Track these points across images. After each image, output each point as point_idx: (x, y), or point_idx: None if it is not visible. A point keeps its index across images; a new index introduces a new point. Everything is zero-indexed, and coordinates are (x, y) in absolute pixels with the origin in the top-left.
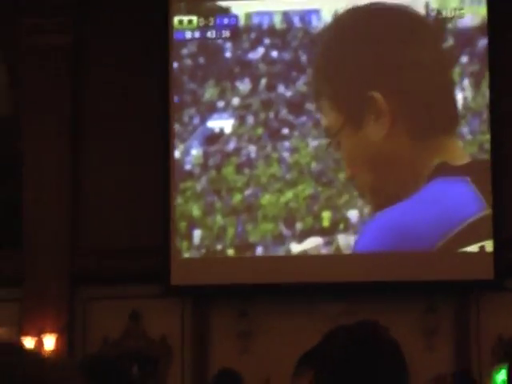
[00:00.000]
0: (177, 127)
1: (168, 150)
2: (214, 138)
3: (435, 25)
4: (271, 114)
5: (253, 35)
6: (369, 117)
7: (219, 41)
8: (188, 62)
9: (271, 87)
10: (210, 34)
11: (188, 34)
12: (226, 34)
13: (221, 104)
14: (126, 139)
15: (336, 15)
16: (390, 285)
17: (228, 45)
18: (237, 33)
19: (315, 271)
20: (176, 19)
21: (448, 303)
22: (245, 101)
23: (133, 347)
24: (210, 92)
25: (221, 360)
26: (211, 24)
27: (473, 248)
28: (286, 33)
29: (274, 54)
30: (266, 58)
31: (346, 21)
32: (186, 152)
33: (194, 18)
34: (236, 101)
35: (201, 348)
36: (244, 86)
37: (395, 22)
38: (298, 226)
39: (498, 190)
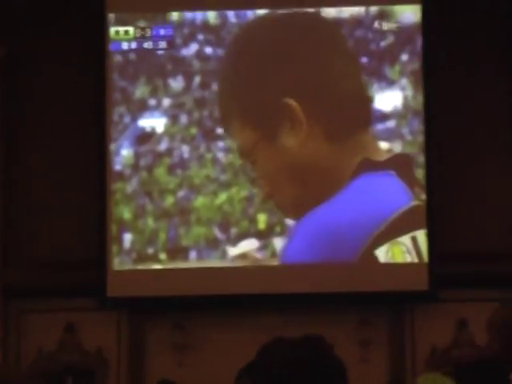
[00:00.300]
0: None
1: (103, 151)
2: (145, 137)
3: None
4: (205, 113)
5: (186, 30)
6: (284, 125)
7: (157, 51)
8: (118, 58)
9: (205, 85)
10: (147, 44)
11: (124, 45)
12: (163, 44)
13: (152, 102)
14: (61, 146)
15: (241, 25)
16: (325, 296)
17: (162, 44)
18: (174, 43)
19: (251, 282)
20: (112, 30)
21: (382, 314)
22: (177, 99)
23: (68, 360)
24: (141, 90)
25: (157, 372)
26: (148, 35)
27: (406, 242)
28: (221, 28)
29: (208, 50)
30: (199, 54)
31: (252, 30)
32: (116, 152)
33: (131, 29)
34: (168, 99)
35: (137, 360)
36: (177, 83)
37: (305, 28)
38: (233, 229)
39: (434, 203)
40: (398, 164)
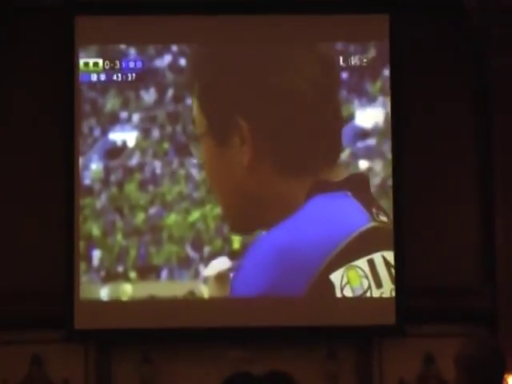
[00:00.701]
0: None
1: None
2: (115, 151)
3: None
4: (178, 128)
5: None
6: (234, 142)
7: (126, 83)
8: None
9: (178, 98)
10: (116, 76)
11: (93, 77)
12: (132, 77)
13: (123, 115)
14: (27, 159)
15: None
16: (291, 330)
17: (132, 50)
18: (142, 77)
19: (219, 316)
20: (82, 61)
21: (350, 348)
22: (149, 112)
23: None
24: (111, 102)
25: None
26: (117, 67)
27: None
28: None
29: (182, 61)
30: (173, 66)
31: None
32: (86, 166)
33: (100, 61)
34: (140, 112)
35: None
36: (149, 96)
37: (271, 51)
38: (206, 248)
39: (399, 232)
40: (354, 184)
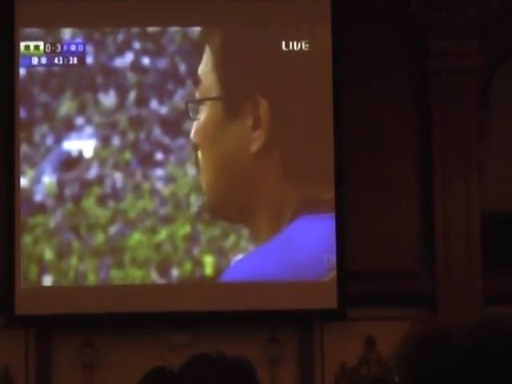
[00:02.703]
0: (24, 148)
1: (13, 176)
2: (71, 162)
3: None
4: (142, 135)
5: (120, 37)
6: (247, 119)
7: (66, 68)
8: (39, 68)
9: (142, 102)
10: (57, 60)
11: (34, 60)
12: (74, 60)
13: (80, 121)
14: None
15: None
16: (233, 314)
17: (89, 49)
18: (84, 61)
19: (161, 299)
20: (22, 45)
21: (291, 332)
22: (109, 118)
23: None
24: (66, 106)
25: None
26: (58, 50)
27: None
28: (161, 35)
29: (146, 60)
30: (135, 65)
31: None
32: (37, 179)
33: (41, 44)
34: (98, 117)
35: (44, 380)
36: (108, 99)
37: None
38: (174, 272)
39: (340, 217)
40: None
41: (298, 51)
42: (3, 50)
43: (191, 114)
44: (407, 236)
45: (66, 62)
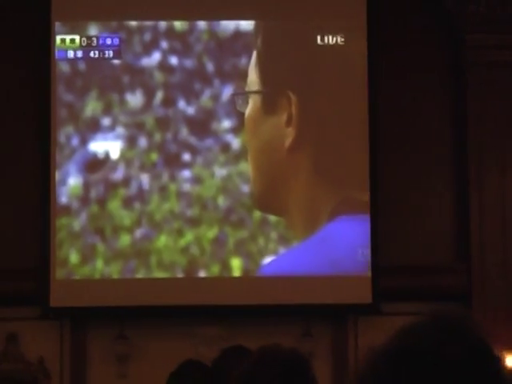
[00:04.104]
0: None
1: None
2: (96, 163)
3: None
4: (168, 136)
5: (147, 37)
6: (282, 115)
7: (103, 61)
8: (65, 66)
9: (169, 102)
10: (93, 53)
11: (70, 54)
12: (110, 53)
13: (106, 122)
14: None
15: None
16: (266, 308)
17: (109, 53)
18: (120, 53)
19: (195, 293)
20: (58, 38)
21: (325, 326)
22: (136, 118)
23: (10, 370)
24: (92, 106)
25: (99, 383)
26: (94, 44)
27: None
28: (188, 35)
29: (173, 60)
30: (162, 65)
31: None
32: (62, 181)
33: (77, 38)
34: (125, 118)
35: (79, 371)
36: (135, 99)
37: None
38: (201, 275)
39: (374, 212)
40: None
41: (333, 45)
42: (39, 44)
43: (238, 107)
44: (442, 230)
45: (101, 56)
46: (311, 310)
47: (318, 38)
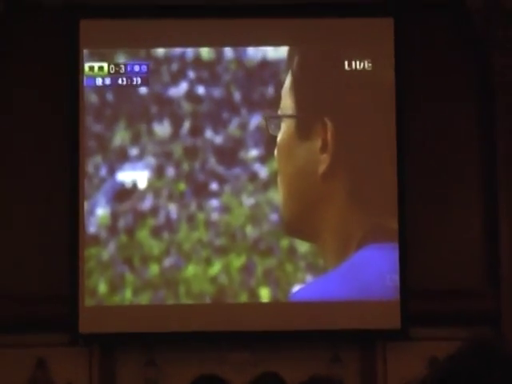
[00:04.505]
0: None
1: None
2: (124, 193)
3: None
4: (196, 165)
5: (174, 66)
6: (316, 141)
7: (139, 90)
8: (93, 96)
9: (196, 131)
10: (121, 80)
11: (99, 81)
12: (138, 80)
13: (134, 151)
14: (26, 205)
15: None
16: (294, 334)
17: (136, 81)
18: (148, 80)
19: (223, 320)
20: (86, 66)
21: (354, 352)
22: (164, 148)
23: None
24: (120, 136)
25: None
26: (122, 71)
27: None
28: (216, 64)
29: (201, 89)
30: (190, 94)
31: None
32: (90, 211)
33: (105, 65)
34: (153, 147)
35: None
36: (163, 129)
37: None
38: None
39: (403, 235)
40: None
41: (361, 70)
42: (67, 72)
43: (270, 130)
44: (471, 254)
45: (129, 83)
46: (339, 335)
47: (346, 63)
